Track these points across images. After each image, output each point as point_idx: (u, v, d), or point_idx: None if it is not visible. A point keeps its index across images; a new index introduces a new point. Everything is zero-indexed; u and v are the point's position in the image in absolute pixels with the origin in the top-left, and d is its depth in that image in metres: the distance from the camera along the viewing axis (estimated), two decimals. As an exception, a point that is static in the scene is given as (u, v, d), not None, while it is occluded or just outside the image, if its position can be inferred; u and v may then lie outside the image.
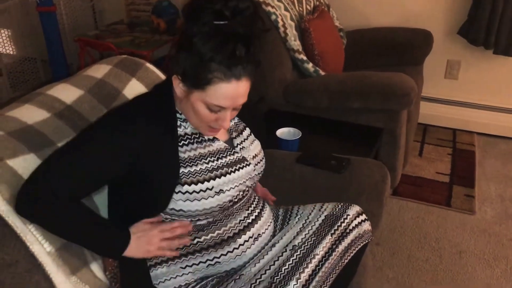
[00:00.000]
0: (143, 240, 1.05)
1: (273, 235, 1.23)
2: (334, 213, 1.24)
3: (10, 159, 0.99)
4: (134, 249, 1.05)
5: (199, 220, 1.09)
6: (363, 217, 1.25)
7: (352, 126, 2.09)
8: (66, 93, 1.22)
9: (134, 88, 1.34)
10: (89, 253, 1.11)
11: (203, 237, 1.10)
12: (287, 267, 1.07)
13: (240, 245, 1.12)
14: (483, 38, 2.64)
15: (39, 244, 1.00)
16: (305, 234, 1.18)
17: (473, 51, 2.79)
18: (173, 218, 1.07)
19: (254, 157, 1.18)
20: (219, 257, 1.10)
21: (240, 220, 1.14)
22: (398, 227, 2.18)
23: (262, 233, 1.18)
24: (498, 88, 2.87)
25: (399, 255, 2.01)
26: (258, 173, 1.19)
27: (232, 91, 0.98)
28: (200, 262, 1.10)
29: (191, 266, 1.10)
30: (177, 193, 1.02)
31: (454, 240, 2.09)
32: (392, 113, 2.08)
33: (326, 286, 1.07)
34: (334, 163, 1.49)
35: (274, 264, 1.09)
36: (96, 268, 1.12)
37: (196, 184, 1.03)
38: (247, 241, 1.14)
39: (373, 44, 2.77)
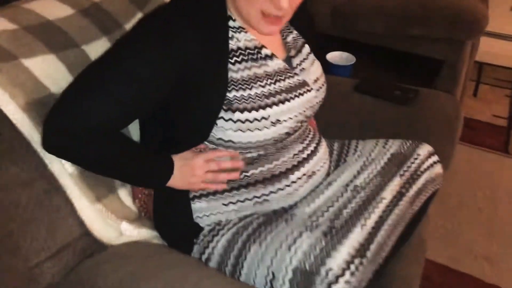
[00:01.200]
0: (186, 171, 0.91)
1: (328, 174, 1.07)
2: (402, 151, 1.06)
3: (27, 58, 0.82)
4: (178, 180, 0.91)
5: (249, 152, 0.92)
6: (435, 158, 1.07)
7: (408, 56, 1.86)
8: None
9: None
10: (117, 178, 0.96)
11: (251, 171, 0.94)
12: (349, 210, 0.91)
13: (292, 182, 0.96)
14: None
15: (59, 164, 0.85)
16: (368, 174, 1.01)
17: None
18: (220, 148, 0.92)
19: (315, 81, 0.99)
20: (267, 194, 0.95)
21: (294, 155, 0.98)
22: (449, 171, 1.99)
23: (317, 170, 1.02)
24: None
25: (449, 202, 1.84)
26: (319, 101, 1.00)
27: None
28: (246, 199, 0.95)
29: (235, 203, 0.95)
30: (226, 120, 0.85)
31: (512, 189, 1.91)
32: (456, 43, 1.83)
33: (395, 236, 0.91)
34: (399, 94, 1.29)
35: (333, 206, 0.94)
36: (124, 195, 0.98)
37: (249, 111, 0.85)
38: (300, 178, 0.98)
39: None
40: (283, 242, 0.86)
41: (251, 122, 0.86)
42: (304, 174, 0.98)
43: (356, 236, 0.85)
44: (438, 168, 1.07)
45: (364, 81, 1.37)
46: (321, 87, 1.00)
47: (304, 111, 0.94)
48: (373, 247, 0.85)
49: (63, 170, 0.85)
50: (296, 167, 0.97)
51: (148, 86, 0.80)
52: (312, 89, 0.96)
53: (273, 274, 0.83)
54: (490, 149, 2.12)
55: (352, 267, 0.80)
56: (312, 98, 0.96)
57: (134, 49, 0.80)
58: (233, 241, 0.91)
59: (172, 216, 0.98)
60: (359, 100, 1.31)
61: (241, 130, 0.86)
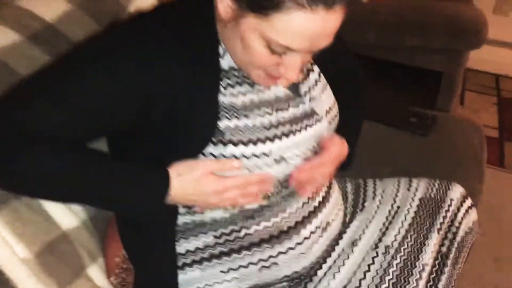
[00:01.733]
0: (188, 179, 0.68)
1: (344, 223, 0.88)
2: (432, 195, 0.89)
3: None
4: (180, 192, 0.68)
5: None
6: (469, 202, 0.91)
7: (404, 68, 1.71)
8: (45, 7, 0.82)
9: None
10: (86, 253, 0.74)
11: (253, 228, 0.75)
12: (386, 284, 0.74)
13: (304, 238, 0.78)
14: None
15: (7, 246, 0.63)
16: (399, 228, 0.84)
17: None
18: None
19: (328, 111, 0.80)
20: (276, 256, 0.76)
21: (304, 203, 0.79)
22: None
23: (332, 220, 0.84)
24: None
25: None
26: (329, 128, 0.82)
27: (316, 26, 0.59)
28: (250, 263, 0.76)
29: (236, 269, 0.76)
30: (216, 156, 0.68)
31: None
32: (454, 53, 1.69)
33: None
34: (416, 121, 1.12)
35: (365, 278, 0.76)
36: (96, 273, 0.76)
37: (246, 144, 0.68)
38: (314, 232, 0.80)
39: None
40: None
41: (248, 158, 0.68)
42: (317, 227, 0.80)
43: None
44: (474, 215, 0.91)
45: (373, 106, 1.19)
46: (334, 118, 0.82)
47: (314, 147, 0.76)
48: None
49: (12, 255, 0.63)
50: (307, 218, 0.79)
51: (110, 102, 0.64)
52: (322, 118, 0.78)
53: None
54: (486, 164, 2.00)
55: None
56: (323, 129, 0.78)
57: (101, 59, 0.65)
58: None
59: None
60: (369, 129, 1.13)
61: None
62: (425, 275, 0.76)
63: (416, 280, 0.75)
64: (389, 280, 0.75)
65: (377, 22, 1.73)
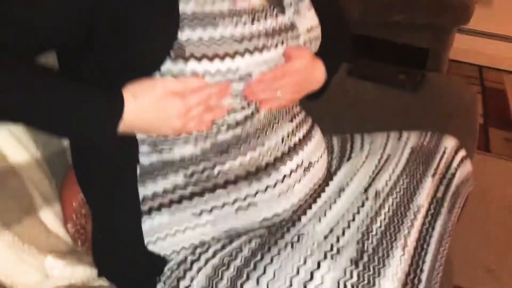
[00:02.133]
0: (146, 102, 0.59)
1: (330, 173, 0.81)
2: (424, 144, 0.83)
3: None
4: (136, 117, 0.59)
5: (219, 132, 0.66)
6: (463, 152, 0.85)
7: (389, 45, 1.66)
8: None
9: None
10: (38, 193, 0.65)
11: (228, 163, 0.67)
12: (378, 224, 0.67)
13: (284, 176, 0.71)
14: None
15: None
16: (389, 174, 0.77)
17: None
18: None
19: (309, 30, 0.73)
20: (254, 195, 0.69)
21: (283, 138, 0.72)
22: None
23: (315, 162, 0.76)
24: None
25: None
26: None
27: None
28: (225, 204, 0.68)
29: (210, 211, 0.67)
30: (175, 75, 0.60)
31: (502, 191, 1.74)
32: (441, 30, 1.65)
33: (443, 255, 0.68)
34: (404, 78, 1.06)
35: (354, 220, 0.69)
36: (49, 217, 0.67)
37: (210, 60, 0.59)
38: (295, 171, 0.72)
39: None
40: (294, 278, 0.60)
41: (212, 76, 0.60)
42: (298, 165, 0.73)
43: (399, 262, 0.61)
44: (469, 166, 0.85)
45: (359, 64, 1.13)
46: (313, 41, 0.74)
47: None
48: (424, 276, 0.61)
49: None
50: (287, 155, 0.72)
51: (52, 8, 0.56)
52: (300, 35, 0.70)
53: None
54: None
55: None
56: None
57: None
58: (216, 277, 0.64)
59: (117, 244, 0.69)
60: (355, 87, 1.07)
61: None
62: (420, 216, 0.69)
63: (411, 220, 0.68)
64: (381, 221, 0.68)
65: (361, -1, 1.68)
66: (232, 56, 0.60)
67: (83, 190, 0.70)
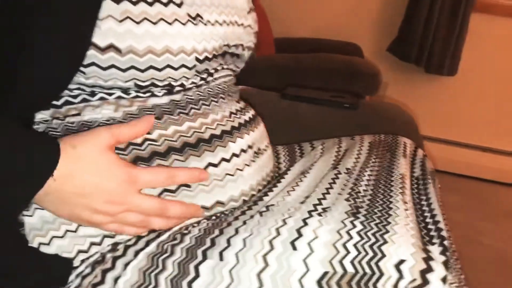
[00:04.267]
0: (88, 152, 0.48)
1: (282, 170, 0.71)
2: (382, 138, 0.77)
3: None
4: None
5: (152, 85, 0.55)
6: (422, 152, 0.79)
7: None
8: None
9: None
10: None
11: (156, 132, 0.55)
12: (364, 188, 0.59)
13: (233, 155, 0.59)
14: (415, 54, 2.50)
15: None
16: (356, 158, 0.68)
17: (403, 71, 2.64)
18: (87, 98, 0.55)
19: (249, 12, 0.70)
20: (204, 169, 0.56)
21: (231, 113, 0.63)
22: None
23: (264, 150, 0.66)
24: (429, 116, 2.70)
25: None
26: (248, 38, 0.69)
27: None
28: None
29: None
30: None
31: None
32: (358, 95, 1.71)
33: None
34: (340, 98, 1.02)
35: (332, 188, 0.56)
36: None
37: None
38: (245, 151, 0.61)
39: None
40: (275, 240, 0.47)
41: (150, 4, 0.51)
42: (249, 146, 0.62)
43: (405, 214, 0.52)
44: (431, 164, 0.79)
45: (291, 89, 1.08)
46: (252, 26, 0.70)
47: (231, 36, 0.63)
48: (440, 233, 0.53)
49: None
50: (236, 130, 0.61)
51: None
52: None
53: None
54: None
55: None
56: (240, 28, 0.65)
57: None
58: (155, 268, 0.48)
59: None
60: (291, 108, 1.00)
61: (132, 21, 0.50)
62: (407, 182, 0.59)
63: (401, 184, 0.57)
64: (366, 185, 0.57)
65: (278, 67, 1.72)
66: None
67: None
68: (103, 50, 0.50)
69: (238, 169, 0.59)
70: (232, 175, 0.58)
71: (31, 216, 0.51)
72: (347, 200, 0.53)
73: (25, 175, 0.45)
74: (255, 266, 0.44)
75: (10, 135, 0.46)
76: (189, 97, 0.58)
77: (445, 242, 0.50)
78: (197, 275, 0.45)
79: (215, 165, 0.56)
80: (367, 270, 0.42)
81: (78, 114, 0.53)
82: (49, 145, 0.47)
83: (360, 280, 0.42)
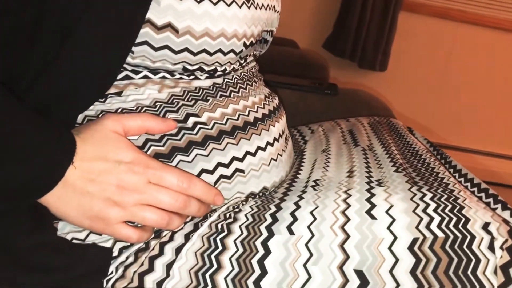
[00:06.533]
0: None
1: (296, 156, 0.70)
2: (378, 120, 0.79)
3: None
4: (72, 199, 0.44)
5: (194, 78, 0.53)
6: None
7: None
8: None
9: None
10: None
11: (206, 114, 0.52)
12: (402, 162, 0.59)
13: (274, 139, 0.57)
14: (349, 50, 2.59)
15: None
16: (368, 137, 0.70)
17: (339, 67, 2.72)
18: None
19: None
20: (241, 159, 0.52)
21: (265, 96, 0.61)
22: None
23: (289, 135, 0.67)
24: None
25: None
26: (277, 24, 0.68)
27: None
28: (203, 171, 0.50)
29: None
30: None
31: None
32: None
33: None
34: (317, 84, 1.02)
35: (369, 163, 0.59)
36: None
37: None
38: (281, 136, 0.60)
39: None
40: (348, 210, 0.46)
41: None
42: (283, 131, 0.61)
43: (456, 180, 0.53)
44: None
45: (269, 74, 1.06)
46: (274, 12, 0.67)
47: (268, 21, 0.62)
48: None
49: None
50: (273, 114, 0.60)
51: None
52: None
53: None
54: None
55: None
56: (276, 14, 0.64)
57: None
58: (213, 247, 0.45)
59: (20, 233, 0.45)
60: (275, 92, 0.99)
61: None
62: (433, 156, 0.61)
63: (434, 160, 0.58)
64: (403, 163, 0.57)
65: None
66: None
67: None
68: (159, 29, 0.46)
69: (279, 154, 0.57)
70: (275, 159, 0.56)
71: None
72: (396, 171, 0.52)
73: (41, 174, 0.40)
74: (335, 237, 0.42)
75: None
76: (228, 80, 0.57)
77: (508, 206, 0.51)
78: (267, 252, 0.42)
79: (263, 149, 0.53)
80: (457, 233, 0.41)
81: (119, 94, 0.48)
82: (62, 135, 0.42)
83: (453, 243, 0.41)
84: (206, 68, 0.52)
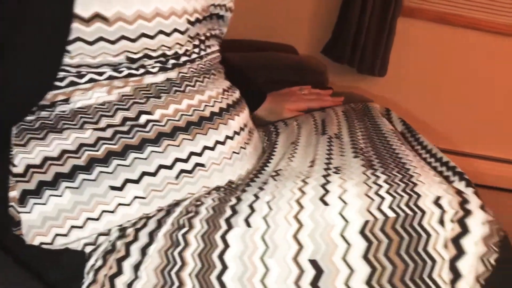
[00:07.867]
0: None
1: (267, 148, 0.71)
2: (353, 107, 0.80)
3: None
4: None
5: (146, 73, 0.53)
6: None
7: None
8: None
9: None
10: None
11: (158, 111, 0.52)
12: (364, 146, 0.60)
13: (234, 133, 0.58)
14: (348, 56, 2.60)
15: None
16: (338, 124, 0.72)
17: (338, 73, 2.73)
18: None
19: None
20: (200, 154, 0.52)
21: (224, 90, 0.62)
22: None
23: (253, 128, 0.67)
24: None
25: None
26: (217, 3, 0.65)
27: None
28: (161, 167, 0.50)
29: (137, 180, 0.48)
30: None
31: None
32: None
33: None
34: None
35: (332, 150, 0.59)
36: None
37: None
38: (243, 129, 0.60)
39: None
40: (302, 199, 0.45)
41: None
42: (245, 125, 0.61)
43: (416, 158, 0.54)
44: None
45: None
46: None
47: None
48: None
49: None
50: (232, 108, 0.60)
51: None
52: None
53: None
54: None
55: None
56: None
57: None
58: (175, 244, 0.45)
59: None
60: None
61: None
62: (400, 136, 0.62)
63: (398, 140, 0.60)
64: (364, 147, 0.58)
65: (227, 66, 1.69)
66: None
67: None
68: (87, 21, 0.44)
69: (241, 147, 0.57)
70: (237, 153, 0.56)
71: (29, 212, 0.44)
72: (355, 157, 0.53)
73: None
74: (289, 228, 0.42)
75: None
76: (183, 74, 0.55)
77: (465, 176, 0.50)
78: (226, 246, 0.42)
79: (222, 143, 0.53)
80: (408, 211, 0.42)
81: (67, 100, 0.47)
82: None
83: (403, 222, 0.41)
84: (154, 54, 0.50)
